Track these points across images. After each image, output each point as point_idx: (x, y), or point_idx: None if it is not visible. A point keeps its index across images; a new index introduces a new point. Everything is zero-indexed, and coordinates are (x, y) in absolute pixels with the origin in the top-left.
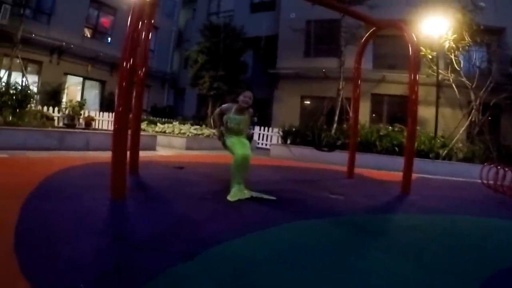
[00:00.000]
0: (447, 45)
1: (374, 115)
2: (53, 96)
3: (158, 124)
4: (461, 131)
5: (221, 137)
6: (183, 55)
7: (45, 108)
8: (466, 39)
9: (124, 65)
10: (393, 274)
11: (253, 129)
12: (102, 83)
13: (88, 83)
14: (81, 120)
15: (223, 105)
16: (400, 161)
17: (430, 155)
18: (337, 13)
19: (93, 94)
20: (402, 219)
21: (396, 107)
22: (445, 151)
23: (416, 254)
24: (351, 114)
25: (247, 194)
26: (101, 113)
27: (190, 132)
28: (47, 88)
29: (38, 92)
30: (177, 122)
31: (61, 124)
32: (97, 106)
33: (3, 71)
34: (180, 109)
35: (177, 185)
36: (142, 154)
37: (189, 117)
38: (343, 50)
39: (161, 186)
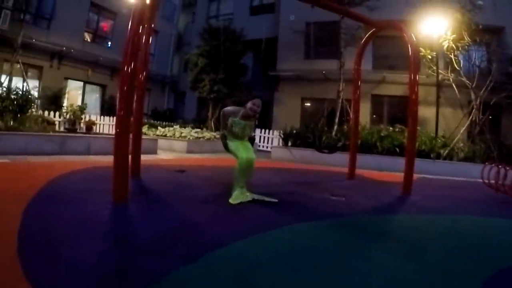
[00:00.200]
0: (446, 45)
1: (374, 116)
2: (54, 100)
3: (159, 127)
4: (461, 131)
5: (223, 139)
6: (183, 59)
7: (46, 112)
8: (466, 39)
9: (125, 69)
10: (394, 275)
11: (254, 132)
12: (103, 87)
13: (88, 87)
14: (82, 125)
15: (229, 108)
16: (401, 161)
17: (431, 155)
18: (337, 15)
19: (93, 98)
20: (403, 219)
21: (396, 108)
22: (446, 151)
23: (418, 254)
24: (351, 115)
25: (249, 197)
26: (101, 117)
27: (191, 136)
28: (47, 92)
29: (39, 97)
30: (178, 126)
31: (62, 129)
32: (97, 110)
33: (3, 76)
34: (181, 113)
35: (178, 188)
36: (143, 157)
37: (189, 120)
38: (343, 52)
39: (163, 189)
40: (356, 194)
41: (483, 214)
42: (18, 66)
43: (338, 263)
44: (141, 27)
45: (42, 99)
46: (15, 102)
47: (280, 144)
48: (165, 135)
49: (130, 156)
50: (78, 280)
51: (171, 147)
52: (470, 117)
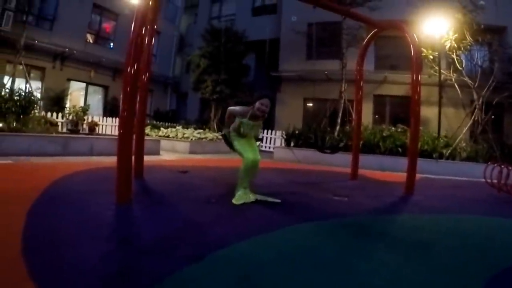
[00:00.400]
0: (448, 45)
1: (377, 116)
2: (56, 102)
3: (162, 128)
4: (464, 131)
5: (226, 138)
6: (185, 60)
7: (49, 114)
8: (468, 39)
9: (128, 70)
10: (397, 275)
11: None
12: (105, 88)
13: (91, 88)
14: (84, 126)
15: (236, 108)
16: (403, 161)
17: (434, 155)
18: (339, 16)
19: (96, 99)
20: (406, 219)
21: (398, 108)
22: (449, 151)
23: (420, 254)
24: (353, 115)
25: (252, 197)
26: (104, 118)
27: (194, 136)
28: (50, 94)
29: (42, 98)
30: (180, 126)
31: (64, 130)
32: (100, 111)
33: (6, 77)
34: (183, 113)
35: (181, 189)
36: (146, 158)
37: (192, 121)
38: (345, 52)
39: (166, 190)
40: (359, 194)
41: (486, 213)
42: (21, 67)
43: (340, 263)
44: (144, 28)
45: (45, 100)
46: (18, 104)
47: (283, 144)
48: (168, 136)
49: (133, 157)
50: (82, 280)
51: (173, 148)
52: (473, 116)
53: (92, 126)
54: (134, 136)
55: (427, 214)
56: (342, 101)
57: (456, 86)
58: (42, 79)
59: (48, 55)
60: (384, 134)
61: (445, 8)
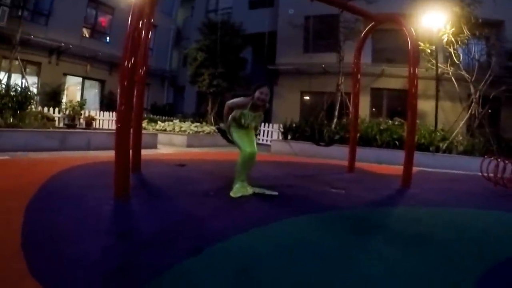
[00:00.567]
0: (445, 39)
1: (374, 109)
2: (53, 96)
3: (159, 122)
4: (461, 124)
5: (223, 132)
6: (182, 53)
7: (46, 109)
8: (465, 32)
9: (125, 64)
10: (394, 267)
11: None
12: (102, 83)
13: (87, 82)
14: (81, 120)
15: (234, 100)
16: (400, 154)
17: (430, 149)
18: (336, 9)
19: (92, 93)
20: (402, 212)
21: (396, 101)
22: (445, 144)
23: (417, 246)
24: (351, 108)
25: (249, 190)
26: (101, 112)
27: (191, 130)
28: (46, 89)
29: (38, 93)
30: (177, 120)
31: (61, 125)
32: (97, 105)
33: (2, 73)
34: (180, 107)
35: (179, 182)
36: (144, 152)
37: (189, 114)
38: (342, 45)
39: (164, 184)
40: (356, 187)
41: (482, 207)
42: (17, 62)
43: (338, 255)
44: (141, 22)
45: (41, 95)
46: (14, 99)
47: (280, 137)
48: (165, 130)
49: (130, 151)
50: (81, 274)
51: (171, 141)
52: (470, 110)
53: (89, 121)
54: (131, 130)
55: (424, 207)
56: (339, 94)
57: (453, 80)
58: (38, 74)
59: (44, 50)
60: (381, 127)
61: (442, 2)
